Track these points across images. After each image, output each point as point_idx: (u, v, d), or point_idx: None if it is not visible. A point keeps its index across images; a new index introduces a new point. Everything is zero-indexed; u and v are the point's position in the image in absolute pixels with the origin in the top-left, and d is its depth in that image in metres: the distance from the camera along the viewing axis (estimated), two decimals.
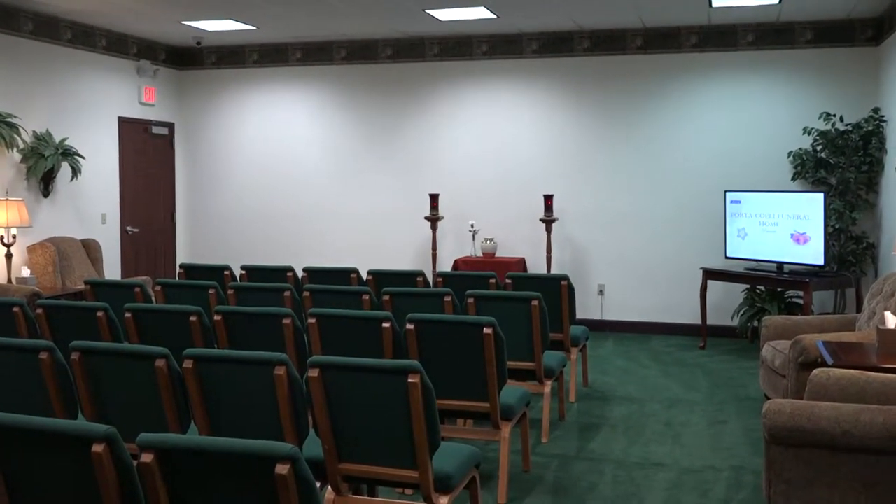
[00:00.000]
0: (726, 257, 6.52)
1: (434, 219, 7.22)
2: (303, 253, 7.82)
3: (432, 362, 3.28)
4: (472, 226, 7.33)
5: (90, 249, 6.73)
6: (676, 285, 7.07)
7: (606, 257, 7.26)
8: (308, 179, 7.99)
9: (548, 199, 6.97)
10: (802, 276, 5.85)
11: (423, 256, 7.60)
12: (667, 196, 7.07)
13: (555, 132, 7.34)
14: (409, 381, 2.46)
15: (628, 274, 7.23)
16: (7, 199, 5.90)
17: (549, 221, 6.98)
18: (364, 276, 5.14)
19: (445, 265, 7.52)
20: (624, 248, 7.22)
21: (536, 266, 7.28)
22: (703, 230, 6.95)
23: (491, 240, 7.25)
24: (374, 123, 7.81)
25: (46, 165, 6.25)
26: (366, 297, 4.20)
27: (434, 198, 7.24)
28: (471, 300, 4.03)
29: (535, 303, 3.91)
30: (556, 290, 4.62)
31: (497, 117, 7.47)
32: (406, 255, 7.69)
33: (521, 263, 7.22)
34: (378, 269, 5.13)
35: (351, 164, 7.88)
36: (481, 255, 7.25)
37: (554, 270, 7.15)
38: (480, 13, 6.31)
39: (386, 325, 3.33)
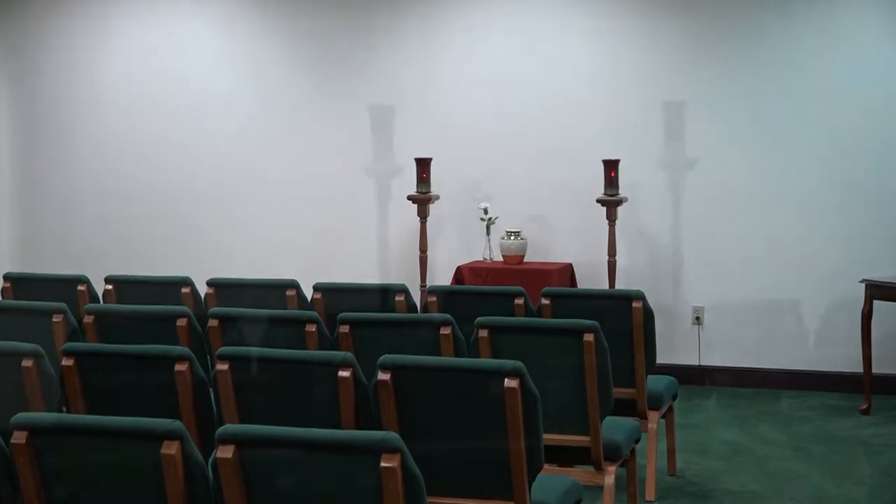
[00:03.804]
0: None
1: (423, 199, 7.23)
2: (207, 256, 7.81)
3: (421, 434, 3.29)
4: (484, 211, 7.36)
5: None
6: (823, 310, 7.07)
7: (707, 264, 7.27)
8: (215, 140, 7.98)
9: (610, 167, 6.98)
10: None
11: (405, 262, 7.60)
12: (809, 161, 7.09)
13: (622, 57, 7.35)
14: (384, 465, 2.49)
15: (742, 291, 7.20)
16: None
17: (612, 203, 7.02)
18: (308, 293, 5.15)
19: (442, 276, 7.52)
20: (736, 249, 7.23)
21: (591, 276, 7.30)
22: (871, 219, 6.98)
23: (517, 234, 7.26)
24: (324, 47, 7.77)
25: None
26: (311, 327, 4.21)
27: (423, 165, 7.21)
28: (484, 332, 4.06)
29: (589, 337, 3.94)
30: (625, 318, 4.64)
31: (527, 33, 7.47)
32: (376, 260, 7.70)
33: (567, 272, 7.25)
34: (331, 282, 5.16)
35: (286, 113, 7.86)
36: (501, 258, 7.28)
37: (620, 284, 7.12)
38: None
39: (344, 373, 3.36)
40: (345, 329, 4.16)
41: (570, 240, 7.42)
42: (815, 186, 7.09)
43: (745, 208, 7.21)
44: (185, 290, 5.20)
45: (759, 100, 7.17)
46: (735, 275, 7.22)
